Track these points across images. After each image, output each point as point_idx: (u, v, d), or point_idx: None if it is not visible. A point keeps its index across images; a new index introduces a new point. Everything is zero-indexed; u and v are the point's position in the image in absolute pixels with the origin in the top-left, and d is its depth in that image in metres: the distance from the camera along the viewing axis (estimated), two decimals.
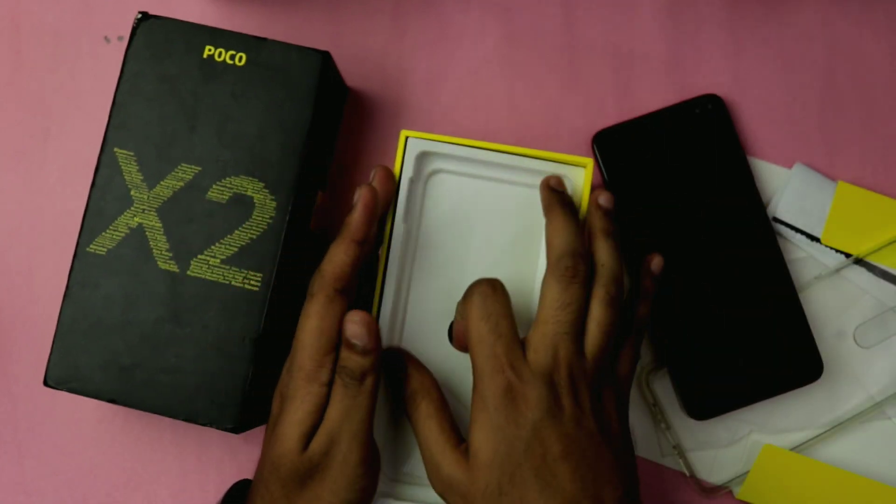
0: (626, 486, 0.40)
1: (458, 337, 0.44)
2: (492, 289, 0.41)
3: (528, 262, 0.47)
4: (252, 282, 0.46)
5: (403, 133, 0.47)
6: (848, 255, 0.51)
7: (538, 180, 0.47)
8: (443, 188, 0.48)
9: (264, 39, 0.47)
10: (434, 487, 0.42)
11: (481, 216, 0.48)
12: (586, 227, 0.45)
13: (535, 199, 0.48)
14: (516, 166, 0.47)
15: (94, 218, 0.47)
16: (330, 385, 0.42)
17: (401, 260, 0.47)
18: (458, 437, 0.42)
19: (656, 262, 0.48)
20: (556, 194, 0.45)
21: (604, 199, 0.46)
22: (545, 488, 0.39)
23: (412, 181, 0.47)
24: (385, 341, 0.47)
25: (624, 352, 0.45)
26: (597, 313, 0.42)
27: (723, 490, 0.50)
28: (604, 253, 0.43)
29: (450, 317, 0.47)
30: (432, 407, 0.43)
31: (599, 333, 0.42)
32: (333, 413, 0.41)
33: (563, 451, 0.39)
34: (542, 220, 0.47)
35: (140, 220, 0.47)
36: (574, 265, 0.41)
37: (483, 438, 0.40)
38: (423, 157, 0.48)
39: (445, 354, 0.47)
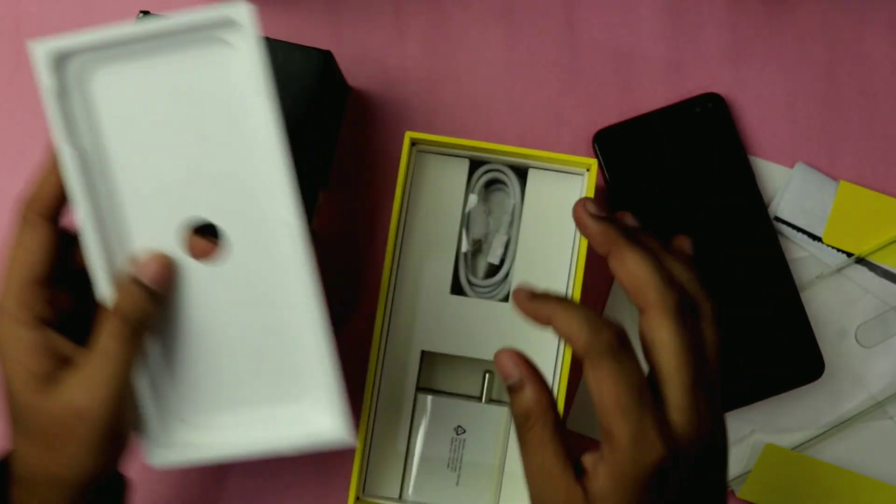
0: None
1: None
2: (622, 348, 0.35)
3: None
4: None
5: (408, 134, 0.47)
6: (849, 255, 0.51)
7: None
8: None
9: (266, 39, 0.47)
10: None
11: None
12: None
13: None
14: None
15: None
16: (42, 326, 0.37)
17: None
18: (575, 466, 0.35)
19: (684, 243, 0.43)
20: (606, 224, 0.39)
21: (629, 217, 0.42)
22: None
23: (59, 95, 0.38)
24: None
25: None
26: (710, 337, 0.37)
27: None
28: (681, 272, 0.38)
29: None
30: (548, 432, 0.36)
31: (687, 395, 0.35)
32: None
33: None
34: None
35: None
36: (681, 299, 0.36)
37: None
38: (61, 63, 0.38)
39: None
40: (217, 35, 0.38)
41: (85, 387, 0.35)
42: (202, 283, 0.40)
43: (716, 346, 0.37)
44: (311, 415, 0.39)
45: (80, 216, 0.38)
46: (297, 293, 0.39)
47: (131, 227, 0.39)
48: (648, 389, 0.34)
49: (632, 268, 0.37)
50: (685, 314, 0.36)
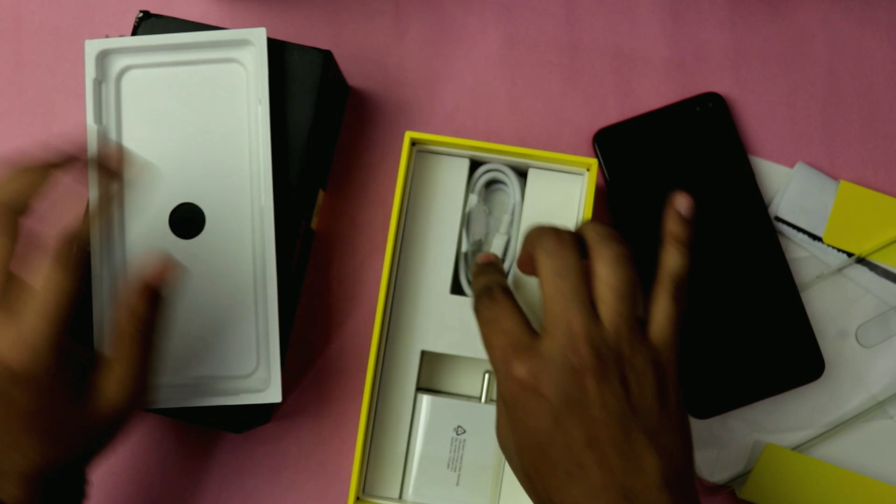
0: (666, 472, 0.36)
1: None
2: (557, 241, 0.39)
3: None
4: None
5: (408, 134, 0.47)
6: (850, 255, 0.51)
7: (217, 54, 0.47)
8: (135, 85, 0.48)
9: (266, 39, 0.47)
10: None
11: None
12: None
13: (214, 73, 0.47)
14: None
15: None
16: None
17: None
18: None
19: (682, 202, 0.42)
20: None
21: (682, 205, 0.43)
22: (568, 479, 0.37)
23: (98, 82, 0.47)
24: None
25: (654, 311, 0.40)
26: (603, 273, 0.38)
27: (725, 489, 0.50)
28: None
29: None
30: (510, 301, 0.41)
31: (611, 295, 0.38)
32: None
33: (587, 438, 0.36)
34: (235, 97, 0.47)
35: None
36: (557, 232, 0.39)
37: (505, 435, 0.39)
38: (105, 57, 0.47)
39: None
40: (233, 51, 0.47)
41: (118, 388, 0.40)
42: (178, 256, 0.46)
43: (610, 284, 0.38)
44: (248, 377, 0.46)
45: (92, 190, 0.45)
46: (259, 270, 0.46)
47: (132, 200, 0.47)
48: (583, 290, 0.38)
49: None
50: (559, 246, 0.39)
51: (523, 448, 0.38)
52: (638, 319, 0.38)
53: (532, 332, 0.39)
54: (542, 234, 0.40)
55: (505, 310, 0.40)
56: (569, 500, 0.37)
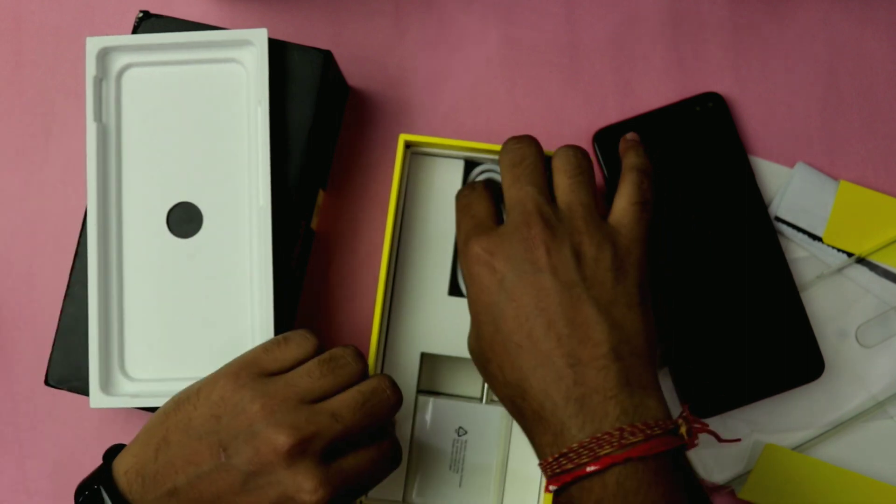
0: (615, 344, 0.37)
1: None
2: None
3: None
4: None
5: (402, 137, 0.47)
6: (850, 255, 0.51)
7: (213, 54, 0.47)
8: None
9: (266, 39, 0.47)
10: None
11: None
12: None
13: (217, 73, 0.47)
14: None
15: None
16: None
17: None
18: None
19: (629, 135, 0.47)
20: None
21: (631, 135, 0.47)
22: (519, 351, 0.38)
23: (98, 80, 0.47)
24: None
25: (616, 199, 0.42)
26: (556, 161, 0.42)
27: (725, 489, 0.50)
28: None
29: None
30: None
31: (565, 178, 0.41)
32: None
33: (536, 306, 0.38)
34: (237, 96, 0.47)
35: None
36: (517, 136, 0.43)
37: (471, 335, 0.41)
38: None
39: None
40: (234, 51, 0.47)
41: None
42: (175, 254, 0.46)
43: (562, 169, 0.42)
44: None
45: (90, 186, 0.45)
46: (255, 268, 0.45)
47: (130, 199, 0.47)
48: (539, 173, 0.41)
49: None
50: (515, 142, 0.43)
51: (481, 330, 0.39)
52: (594, 205, 0.41)
53: (500, 220, 0.42)
54: (505, 142, 0.43)
55: (479, 197, 0.43)
56: (518, 374, 0.38)
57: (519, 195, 0.40)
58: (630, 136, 0.46)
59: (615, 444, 0.36)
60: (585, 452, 0.36)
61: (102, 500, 0.38)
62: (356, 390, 0.39)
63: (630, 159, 0.44)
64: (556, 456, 0.37)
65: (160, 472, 0.38)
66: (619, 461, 0.35)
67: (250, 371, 0.39)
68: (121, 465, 0.39)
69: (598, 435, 0.36)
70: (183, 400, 0.39)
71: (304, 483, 0.36)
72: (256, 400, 0.37)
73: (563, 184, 0.41)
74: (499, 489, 0.48)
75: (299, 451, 0.36)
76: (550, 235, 0.39)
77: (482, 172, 0.49)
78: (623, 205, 0.41)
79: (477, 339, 0.41)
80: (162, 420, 0.39)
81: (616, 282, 0.39)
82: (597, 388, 0.37)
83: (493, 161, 0.49)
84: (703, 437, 0.50)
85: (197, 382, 0.40)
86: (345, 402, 0.38)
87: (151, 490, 0.38)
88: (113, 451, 0.41)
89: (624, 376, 0.37)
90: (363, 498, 0.47)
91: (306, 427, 0.37)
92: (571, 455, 0.36)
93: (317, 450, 0.37)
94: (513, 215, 0.40)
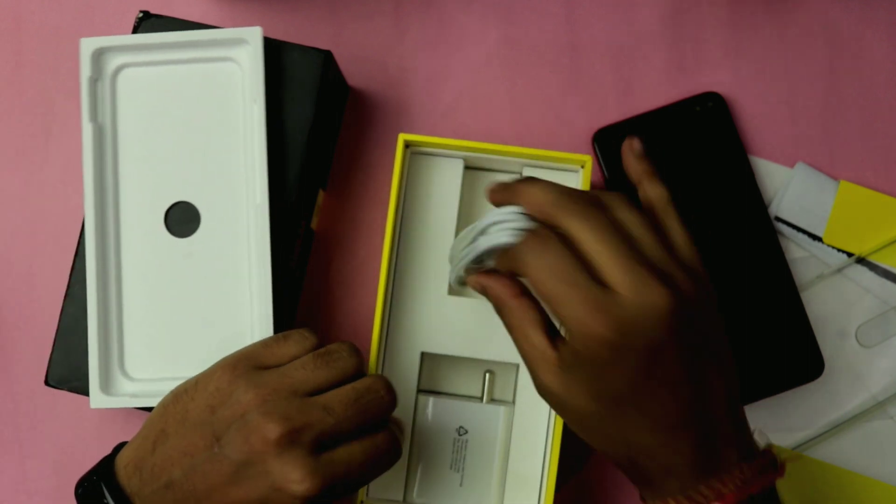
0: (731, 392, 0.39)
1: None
2: (543, 243, 0.38)
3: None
4: None
5: (402, 137, 0.47)
6: (850, 255, 0.51)
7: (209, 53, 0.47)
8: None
9: (266, 39, 0.47)
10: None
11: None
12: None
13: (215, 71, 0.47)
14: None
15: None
16: None
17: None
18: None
19: (634, 144, 0.44)
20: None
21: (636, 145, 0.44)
22: (645, 415, 0.38)
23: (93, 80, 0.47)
24: None
25: (673, 237, 0.40)
26: (593, 247, 0.37)
27: None
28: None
29: None
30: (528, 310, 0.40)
31: (646, 233, 0.38)
32: None
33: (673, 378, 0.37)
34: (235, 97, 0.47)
35: None
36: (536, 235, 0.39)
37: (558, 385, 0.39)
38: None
39: None
40: (229, 50, 0.47)
41: None
42: (173, 254, 0.47)
43: (638, 224, 0.38)
44: None
45: (87, 187, 0.46)
46: (253, 267, 0.46)
47: (128, 199, 0.47)
48: (580, 272, 0.36)
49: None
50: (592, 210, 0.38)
51: (603, 395, 0.38)
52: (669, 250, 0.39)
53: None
54: (524, 245, 0.38)
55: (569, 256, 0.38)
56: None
57: (634, 272, 0.37)
58: (634, 146, 0.44)
59: (738, 483, 0.38)
60: (710, 493, 0.38)
61: (101, 492, 0.39)
62: (350, 387, 0.39)
63: (653, 190, 0.42)
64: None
65: (157, 465, 0.38)
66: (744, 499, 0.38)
67: (247, 364, 0.40)
68: (122, 459, 0.40)
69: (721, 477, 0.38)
70: (181, 392, 0.40)
71: (293, 473, 0.36)
72: (250, 390, 0.38)
73: (643, 235, 0.39)
74: (499, 489, 0.48)
75: (289, 441, 0.37)
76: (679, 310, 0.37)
77: (493, 224, 0.41)
78: (682, 242, 0.40)
79: (596, 400, 0.38)
80: (161, 413, 0.40)
81: (713, 333, 0.40)
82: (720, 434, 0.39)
83: (490, 161, 0.49)
84: None
85: (196, 375, 0.41)
86: (337, 396, 0.38)
87: (149, 483, 0.38)
88: (122, 447, 0.42)
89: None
90: (364, 497, 0.47)
91: (297, 417, 0.37)
92: (692, 493, 0.38)
93: (306, 441, 0.37)
94: (629, 283, 0.37)
